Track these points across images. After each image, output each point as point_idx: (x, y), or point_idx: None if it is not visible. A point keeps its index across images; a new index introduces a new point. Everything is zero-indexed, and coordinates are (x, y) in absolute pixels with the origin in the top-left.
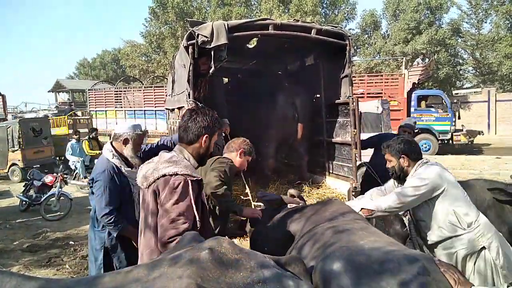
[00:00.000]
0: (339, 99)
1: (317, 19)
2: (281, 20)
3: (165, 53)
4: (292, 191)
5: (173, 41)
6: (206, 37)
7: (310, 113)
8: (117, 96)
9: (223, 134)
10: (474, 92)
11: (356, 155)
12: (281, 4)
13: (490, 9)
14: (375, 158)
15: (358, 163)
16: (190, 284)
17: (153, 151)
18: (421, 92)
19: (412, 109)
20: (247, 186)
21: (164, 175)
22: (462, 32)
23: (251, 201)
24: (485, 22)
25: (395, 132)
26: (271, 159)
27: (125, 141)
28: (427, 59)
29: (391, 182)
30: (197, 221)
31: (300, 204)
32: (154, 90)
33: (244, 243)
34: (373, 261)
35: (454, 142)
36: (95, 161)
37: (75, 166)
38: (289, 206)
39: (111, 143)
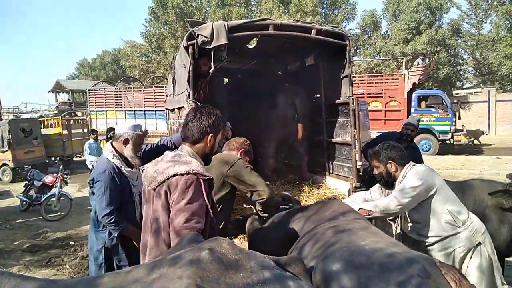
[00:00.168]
0: (339, 99)
1: (317, 19)
2: (281, 20)
3: (165, 54)
4: (284, 194)
5: (173, 42)
6: (206, 37)
7: (310, 113)
8: (117, 97)
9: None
10: (474, 92)
11: (356, 155)
12: (281, 4)
13: (490, 9)
14: None
15: (359, 163)
16: (190, 284)
17: (153, 152)
18: (421, 92)
19: (412, 109)
20: None
21: (175, 174)
22: (462, 32)
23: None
24: (485, 22)
25: (398, 130)
26: (271, 159)
27: (125, 141)
28: (427, 59)
29: (377, 187)
30: (208, 221)
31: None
32: (154, 90)
33: (244, 243)
34: (374, 262)
35: (454, 142)
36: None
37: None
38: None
39: (112, 143)
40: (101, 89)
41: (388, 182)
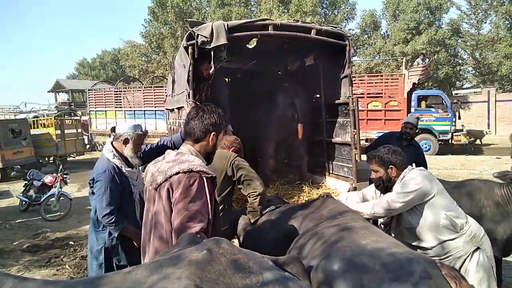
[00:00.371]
0: (339, 99)
1: (317, 19)
2: (281, 20)
3: (165, 53)
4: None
5: (173, 41)
6: (206, 37)
7: (310, 113)
8: (117, 96)
9: None
10: (474, 92)
11: (356, 155)
12: (280, 4)
13: (489, 9)
14: None
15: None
16: (189, 285)
17: (153, 152)
18: (421, 92)
19: (412, 109)
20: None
21: (177, 173)
22: (461, 32)
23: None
24: (485, 23)
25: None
26: (271, 159)
27: (125, 141)
28: (427, 59)
29: (372, 189)
30: (210, 219)
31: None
32: (154, 90)
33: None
34: (375, 262)
35: (454, 142)
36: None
37: None
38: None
39: (112, 143)
40: (100, 89)
41: (388, 187)
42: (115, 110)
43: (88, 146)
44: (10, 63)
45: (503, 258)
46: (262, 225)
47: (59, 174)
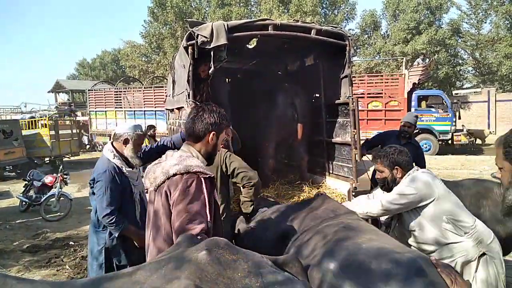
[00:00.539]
0: (339, 99)
1: (317, 19)
2: (281, 20)
3: (165, 54)
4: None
5: (173, 42)
6: (206, 37)
7: (310, 113)
8: (117, 97)
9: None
10: (474, 92)
11: (356, 155)
12: (280, 4)
13: (489, 9)
14: None
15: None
16: (189, 285)
17: (153, 152)
18: (421, 92)
19: (412, 109)
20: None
21: (175, 174)
22: (462, 32)
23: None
24: (485, 22)
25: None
26: (271, 159)
27: (125, 141)
28: (427, 59)
29: (379, 190)
30: (210, 220)
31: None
32: (154, 90)
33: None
34: (371, 261)
35: (455, 142)
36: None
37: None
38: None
39: (112, 143)
40: (100, 89)
41: (392, 188)
42: (115, 111)
43: (88, 146)
44: (10, 63)
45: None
46: (260, 225)
47: (59, 175)
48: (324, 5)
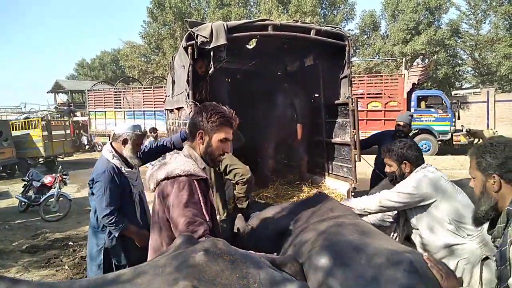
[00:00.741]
0: (339, 99)
1: (316, 19)
2: (280, 20)
3: (164, 54)
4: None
5: (172, 42)
6: (206, 37)
7: (309, 113)
8: (116, 97)
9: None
10: (473, 92)
11: (356, 155)
12: (280, 5)
13: (489, 9)
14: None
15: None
16: (187, 286)
17: (153, 152)
18: (421, 92)
19: (412, 110)
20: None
21: (167, 177)
22: (461, 32)
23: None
24: (484, 23)
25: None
26: (271, 159)
27: (124, 142)
28: (426, 60)
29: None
30: (209, 220)
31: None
32: (153, 90)
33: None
34: (361, 256)
35: (454, 143)
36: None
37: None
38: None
39: (111, 143)
40: (100, 89)
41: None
42: (115, 111)
43: (87, 146)
44: (10, 63)
45: None
46: (259, 224)
47: (58, 175)
48: (323, 6)
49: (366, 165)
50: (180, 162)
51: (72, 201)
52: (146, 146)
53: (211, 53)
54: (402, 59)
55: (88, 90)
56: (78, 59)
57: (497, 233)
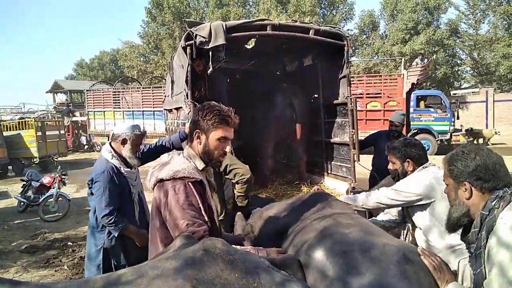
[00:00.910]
0: (338, 99)
1: (315, 19)
2: (279, 20)
3: (163, 54)
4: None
5: (171, 42)
6: (204, 37)
7: (308, 113)
8: (115, 97)
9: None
10: (472, 92)
11: (355, 155)
12: (279, 5)
13: (487, 9)
14: (377, 157)
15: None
16: (186, 286)
17: (152, 152)
18: (420, 92)
19: (411, 110)
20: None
21: (161, 180)
22: (460, 32)
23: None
24: (483, 23)
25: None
26: (270, 159)
27: (123, 142)
28: (426, 60)
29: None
30: (208, 221)
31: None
32: (152, 90)
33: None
34: (355, 249)
35: (453, 142)
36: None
37: None
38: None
39: (110, 143)
40: (99, 89)
41: None
42: (114, 111)
43: (86, 146)
44: (10, 63)
45: None
46: (258, 222)
47: (57, 175)
48: (322, 5)
49: (365, 164)
50: (177, 164)
51: (71, 201)
52: (145, 146)
53: (210, 53)
54: (401, 59)
55: (87, 90)
56: (77, 59)
57: (471, 238)
